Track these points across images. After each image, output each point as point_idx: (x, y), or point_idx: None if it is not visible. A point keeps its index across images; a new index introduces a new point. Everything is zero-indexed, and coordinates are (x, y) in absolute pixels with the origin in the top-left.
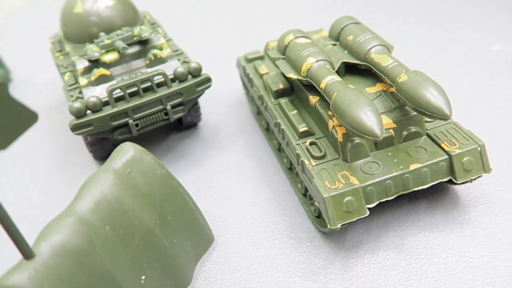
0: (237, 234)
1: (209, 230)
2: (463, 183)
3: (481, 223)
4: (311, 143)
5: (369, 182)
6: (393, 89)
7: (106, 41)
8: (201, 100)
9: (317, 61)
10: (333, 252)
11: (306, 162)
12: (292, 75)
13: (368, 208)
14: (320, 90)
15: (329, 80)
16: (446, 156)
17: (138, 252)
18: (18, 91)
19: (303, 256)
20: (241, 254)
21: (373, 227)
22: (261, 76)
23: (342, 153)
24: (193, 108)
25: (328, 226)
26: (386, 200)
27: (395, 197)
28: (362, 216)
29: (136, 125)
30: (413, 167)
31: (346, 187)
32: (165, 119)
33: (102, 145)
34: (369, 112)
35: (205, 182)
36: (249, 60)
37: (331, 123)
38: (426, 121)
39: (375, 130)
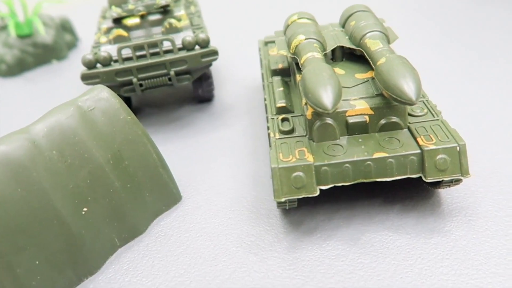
0: (204, 199)
1: (175, 189)
2: (436, 184)
3: (454, 234)
4: (283, 119)
5: (325, 162)
6: None
7: (130, 6)
8: (220, 81)
9: (306, 38)
10: (285, 232)
11: (271, 135)
12: (282, 51)
13: (322, 190)
14: (300, 66)
15: (309, 55)
16: (419, 151)
17: (84, 184)
18: (78, 56)
19: (255, 230)
20: (200, 217)
21: (336, 217)
22: (268, 56)
23: (309, 132)
24: (205, 82)
25: (273, 198)
26: (354, 189)
27: (369, 195)
28: (310, 195)
29: (140, 85)
30: (377, 155)
31: (298, 162)
32: (169, 84)
33: None
34: (327, 85)
35: (197, 149)
36: (266, 43)
37: (304, 100)
38: (412, 115)
39: (325, 102)
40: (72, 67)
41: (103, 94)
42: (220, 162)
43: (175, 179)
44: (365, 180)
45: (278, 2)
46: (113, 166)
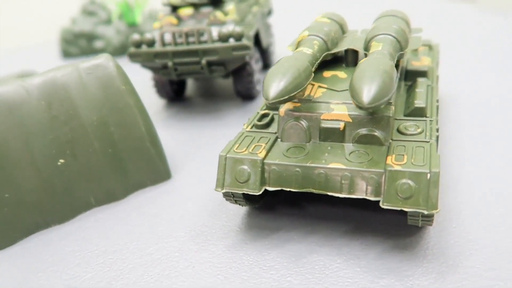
0: (191, 184)
1: (163, 166)
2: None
3: (413, 281)
4: (265, 114)
5: (275, 162)
6: None
7: None
8: None
9: (309, 35)
10: (237, 231)
11: (244, 126)
12: (289, 47)
13: (269, 192)
14: None
15: (299, 50)
16: (381, 170)
17: (64, 138)
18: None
19: (212, 222)
20: (178, 199)
21: (297, 230)
22: None
23: (278, 129)
24: (245, 78)
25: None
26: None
27: (345, 217)
28: (251, 192)
29: (175, 69)
30: (333, 165)
31: (247, 155)
32: (201, 72)
33: (162, 85)
34: (280, 76)
35: (211, 139)
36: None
37: None
38: (402, 133)
39: (268, 91)
40: None
41: (104, 62)
42: None
43: (167, 158)
44: (314, 191)
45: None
46: (96, 128)
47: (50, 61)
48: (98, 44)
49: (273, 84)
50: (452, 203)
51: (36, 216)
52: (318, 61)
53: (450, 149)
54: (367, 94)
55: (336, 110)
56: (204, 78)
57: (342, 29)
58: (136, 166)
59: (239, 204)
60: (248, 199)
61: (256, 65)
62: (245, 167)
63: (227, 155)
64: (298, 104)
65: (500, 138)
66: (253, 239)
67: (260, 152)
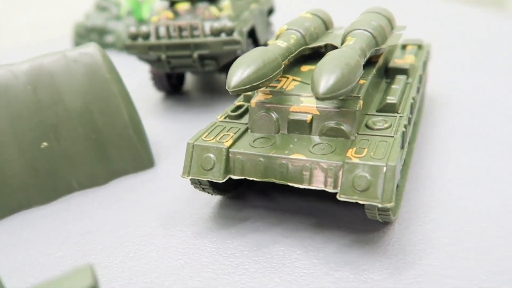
0: (173, 175)
1: (145, 155)
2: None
3: (367, 276)
4: (240, 105)
5: (240, 151)
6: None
7: None
8: None
9: (288, 29)
10: (207, 219)
11: (217, 116)
12: (270, 41)
13: (243, 183)
14: None
15: (273, 42)
16: (340, 162)
17: (48, 122)
18: None
19: (185, 209)
20: (157, 188)
21: (264, 221)
22: None
23: (249, 120)
24: None
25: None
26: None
27: (318, 212)
28: (215, 180)
29: (168, 62)
30: (294, 156)
31: (213, 143)
32: (194, 66)
33: (159, 78)
34: (244, 66)
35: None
36: None
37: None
38: (370, 127)
39: (229, 80)
40: None
41: (91, 51)
42: None
43: (153, 148)
44: (276, 181)
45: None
46: (80, 114)
47: None
48: (109, 38)
49: (236, 73)
50: (423, 201)
51: (19, 196)
52: (293, 55)
53: (434, 148)
54: (323, 84)
55: (305, 103)
56: (199, 72)
57: (326, 25)
58: (118, 153)
59: (208, 193)
60: (218, 188)
61: None
62: (211, 155)
63: (195, 143)
64: (270, 96)
65: (484, 140)
66: (220, 228)
67: (227, 141)
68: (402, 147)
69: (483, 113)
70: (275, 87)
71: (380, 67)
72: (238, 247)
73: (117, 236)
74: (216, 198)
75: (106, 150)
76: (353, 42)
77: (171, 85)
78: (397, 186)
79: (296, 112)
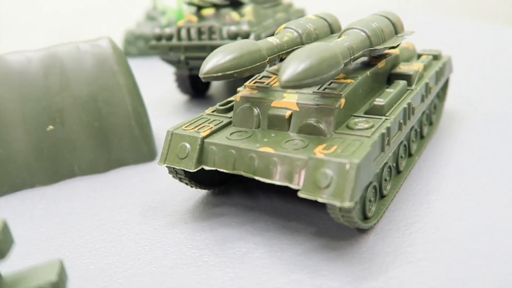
0: None
1: (147, 147)
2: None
3: (320, 280)
4: (230, 100)
5: (214, 141)
6: (346, 80)
7: None
8: None
9: (285, 27)
10: (185, 211)
11: (206, 110)
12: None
13: (220, 177)
14: None
15: (267, 39)
16: (306, 158)
17: (55, 107)
18: None
19: (169, 200)
20: (154, 180)
21: (240, 217)
22: None
23: (233, 113)
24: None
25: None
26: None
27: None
28: (186, 169)
29: (187, 63)
30: (263, 149)
31: (190, 132)
32: None
33: (182, 80)
34: (220, 54)
35: None
36: None
37: (248, 84)
38: (350, 128)
39: (203, 66)
40: None
41: (102, 43)
42: None
43: (158, 142)
44: (244, 174)
45: None
46: (85, 102)
47: None
48: None
49: (211, 60)
50: (409, 214)
51: (23, 174)
52: (284, 51)
53: (438, 163)
54: (288, 72)
55: (287, 98)
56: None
57: (332, 29)
58: (119, 143)
59: (186, 184)
60: (197, 180)
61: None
62: (187, 144)
63: (174, 131)
64: (256, 91)
65: (495, 161)
66: (194, 220)
67: (204, 132)
68: (382, 150)
69: (499, 131)
70: (263, 83)
71: (379, 71)
72: (205, 240)
73: (97, 219)
74: (201, 194)
75: (107, 139)
76: (341, 40)
77: (195, 88)
78: (384, 196)
79: (276, 107)
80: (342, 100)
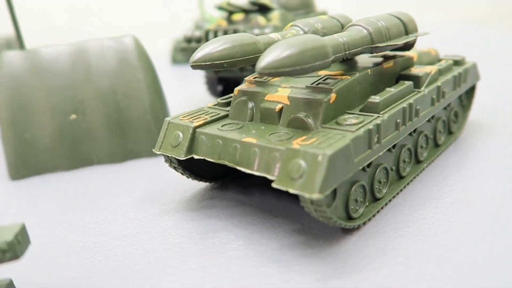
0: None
1: None
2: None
3: (291, 277)
4: (232, 95)
5: (204, 131)
6: (343, 76)
7: (235, 4)
8: None
9: (292, 25)
10: (179, 201)
11: (208, 104)
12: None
13: (218, 170)
14: None
15: (270, 35)
16: (283, 148)
17: (79, 97)
18: None
19: (176, 188)
20: (162, 169)
21: (229, 209)
22: None
23: (231, 106)
24: None
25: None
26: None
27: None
28: (176, 156)
29: None
30: (246, 140)
31: (184, 122)
32: (234, 70)
33: (211, 82)
34: (212, 45)
35: None
36: None
37: (247, 78)
38: (339, 123)
39: (193, 55)
40: None
41: (126, 40)
42: None
43: None
44: (228, 164)
45: None
46: (106, 94)
47: (161, 67)
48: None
49: (201, 50)
50: (400, 219)
51: (47, 160)
52: None
53: (447, 171)
54: (266, 59)
55: (280, 92)
56: (242, 78)
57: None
58: (135, 135)
59: (181, 173)
60: (192, 171)
61: None
62: (179, 132)
63: (170, 120)
64: (253, 85)
65: (506, 180)
66: (186, 210)
67: (197, 122)
68: (369, 147)
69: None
70: (262, 77)
71: (384, 71)
72: (190, 229)
73: (100, 203)
74: (200, 186)
75: (124, 131)
76: (338, 34)
77: (224, 90)
78: (378, 198)
79: (269, 101)
80: (332, 95)
